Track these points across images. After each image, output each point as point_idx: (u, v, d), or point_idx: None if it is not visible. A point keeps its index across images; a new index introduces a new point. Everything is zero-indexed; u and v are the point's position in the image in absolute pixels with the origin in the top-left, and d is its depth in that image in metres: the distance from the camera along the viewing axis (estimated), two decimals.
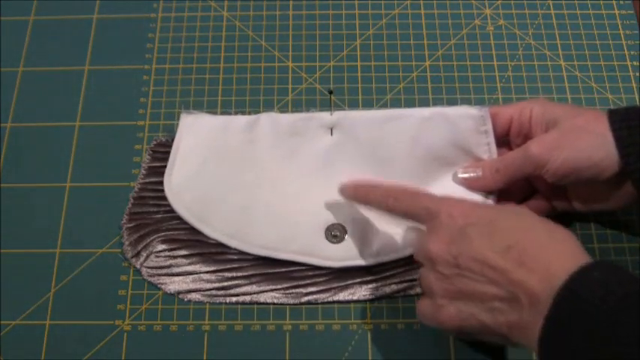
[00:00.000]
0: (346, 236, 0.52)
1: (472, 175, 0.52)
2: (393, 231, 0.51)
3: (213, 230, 0.53)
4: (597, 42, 0.62)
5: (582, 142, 0.46)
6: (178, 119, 0.59)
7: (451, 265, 0.41)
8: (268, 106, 0.59)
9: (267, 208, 0.53)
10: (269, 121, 0.55)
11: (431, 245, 0.43)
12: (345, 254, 0.51)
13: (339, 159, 0.54)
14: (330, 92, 0.57)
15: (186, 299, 0.52)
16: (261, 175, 0.54)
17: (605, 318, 0.34)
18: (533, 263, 0.38)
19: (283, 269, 0.52)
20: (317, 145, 0.55)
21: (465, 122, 0.53)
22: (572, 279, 0.36)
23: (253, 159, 0.55)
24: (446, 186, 0.52)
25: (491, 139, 0.52)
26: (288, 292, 0.52)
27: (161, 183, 0.55)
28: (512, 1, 0.64)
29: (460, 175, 0.52)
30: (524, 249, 0.39)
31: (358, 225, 0.52)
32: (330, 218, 0.53)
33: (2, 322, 0.52)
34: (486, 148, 0.52)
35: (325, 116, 0.55)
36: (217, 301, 0.52)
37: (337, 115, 0.55)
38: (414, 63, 0.61)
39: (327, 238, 0.52)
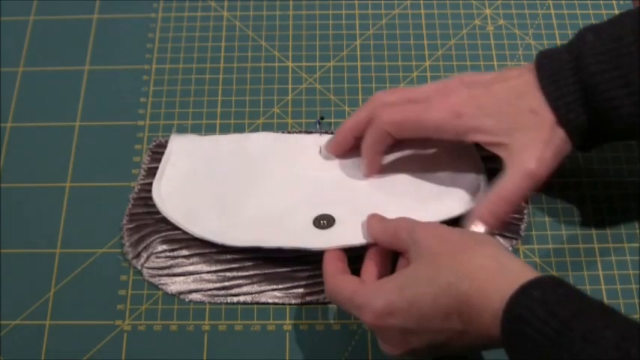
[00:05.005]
0: (335, 224, 0.51)
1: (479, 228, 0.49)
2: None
3: (201, 230, 0.52)
4: None
5: (559, 157, 0.47)
6: (178, 119, 0.59)
7: (410, 354, 0.43)
8: (268, 106, 0.59)
9: (256, 211, 0.53)
10: (260, 137, 0.56)
11: (384, 350, 0.44)
12: (334, 237, 0.50)
13: (327, 167, 0.54)
14: (322, 118, 0.58)
15: (187, 299, 0.52)
16: (249, 184, 0.54)
17: (550, 344, 0.35)
18: (473, 316, 0.39)
19: (284, 269, 0.52)
20: (305, 156, 0.55)
21: None
22: (508, 315, 0.37)
23: (242, 168, 0.55)
24: (434, 179, 0.53)
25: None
26: (289, 291, 0.52)
27: None
28: (512, 1, 0.64)
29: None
30: (460, 310, 0.39)
31: (347, 215, 0.51)
32: (318, 211, 0.52)
33: (2, 322, 0.51)
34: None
35: (315, 136, 0.56)
36: (218, 301, 0.52)
37: (326, 137, 0.55)
38: (414, 63, 0.61)
39: (315, 225, 0.51)
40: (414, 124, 0.48)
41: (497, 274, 0.39)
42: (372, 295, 0.42)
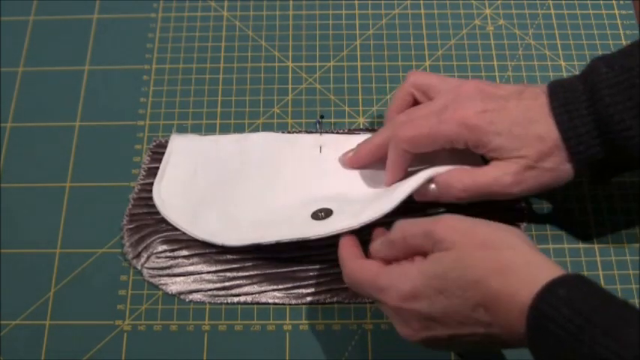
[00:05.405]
0: (332, 214, 0.51)
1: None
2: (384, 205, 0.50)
3: (202, 232, 0.52)
4: (597, 42, 0.62)
5: (545, 179, 0.47)
6: (178, 119, 0.59)
7: (426, 342, 0.43)
8: (268, 106, 0.59)
9: (256, 210, 0.53)
10: (260, 137, 0.57)
11: (401, 333, 0.44)
12: (332, 225, 0.50)
13: (327, 167, 0.54)
14: (322, 117, 0.58)
15: (187, 300, 0.52)
16: (249, 184, 0.54)
17: (572, 340, 0.35)
18: (501, 311, 0.39)
19: (285, 269, 0.52)
20: (305, 156, 0.55)
21: None
22: (535, 308, 0.37)
23: (242, 168, 0.55)
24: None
25: None
26: (289, 292, 0.52)
27: None
28: (512, 1, 0.64)
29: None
30: (487, 305, 0.40)
31: (345, 206, 0.51)
32: (316, 206, 0.52)
33: (2, 322, 0.52)
34: None
35: (315, 136, 0.56)
36: (219, 302, 0.52)
37: (326, 136, 0.56)
38: (414, 63, 0.61)
39: (313, 218, 0.51)
40: (426, 139, 0.48)
41: (525, 270, 0.39)
42: (397, 278, 0.43)
